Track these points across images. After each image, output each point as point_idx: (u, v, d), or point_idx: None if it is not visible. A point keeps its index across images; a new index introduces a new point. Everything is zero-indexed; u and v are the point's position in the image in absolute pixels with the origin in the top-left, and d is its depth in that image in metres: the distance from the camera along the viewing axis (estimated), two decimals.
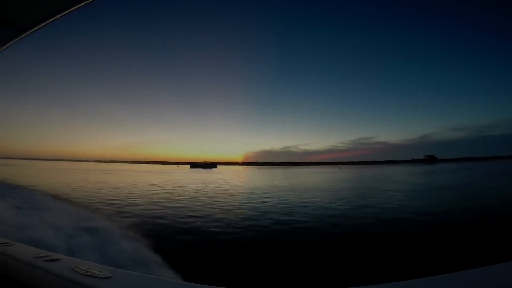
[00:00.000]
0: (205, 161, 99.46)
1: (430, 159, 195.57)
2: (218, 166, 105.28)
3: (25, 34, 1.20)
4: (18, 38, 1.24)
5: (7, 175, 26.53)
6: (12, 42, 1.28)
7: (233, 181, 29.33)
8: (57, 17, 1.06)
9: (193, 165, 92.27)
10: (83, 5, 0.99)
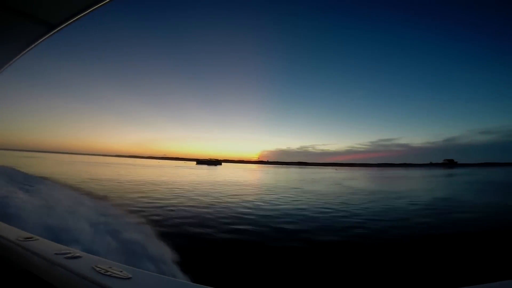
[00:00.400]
0: (210, 159, 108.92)
1: (449, 163, 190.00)
2: (223, 163, 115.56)
3: (55, 30, 1.24)
4: (49, 35, 1.28)
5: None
6: (43, 39, 1.32)
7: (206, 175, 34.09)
8: (86, 12, 1.09)
9: (199, 161, 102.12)
10: (109, 1, 1.02)
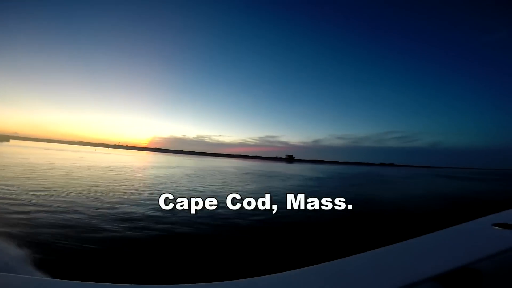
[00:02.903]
0: None
1: (289, 158, 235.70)
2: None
3: None
4: None
5: None
6: None
7: None
8: None
9: None
10: None
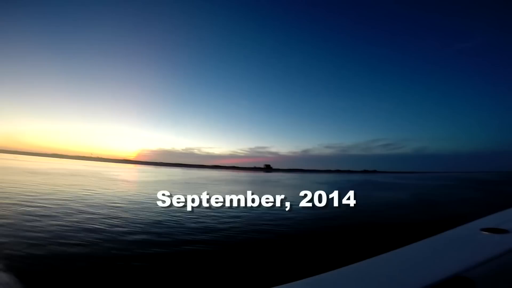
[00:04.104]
0: None
1: (267, 168, 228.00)
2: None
3: None
4: None
5: None
6: None
7: None
8: None
9: None
10: None
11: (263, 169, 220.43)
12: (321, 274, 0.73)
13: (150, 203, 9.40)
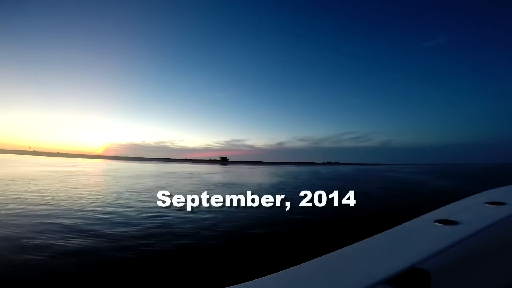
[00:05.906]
0: None
1: (223, 160, 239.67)
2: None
3: None
4: None
5: None
6: None
7: None
8: None
9: None
10: None
11: (219, 162, 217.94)
12: (278, 272, 0.73)
13: None
